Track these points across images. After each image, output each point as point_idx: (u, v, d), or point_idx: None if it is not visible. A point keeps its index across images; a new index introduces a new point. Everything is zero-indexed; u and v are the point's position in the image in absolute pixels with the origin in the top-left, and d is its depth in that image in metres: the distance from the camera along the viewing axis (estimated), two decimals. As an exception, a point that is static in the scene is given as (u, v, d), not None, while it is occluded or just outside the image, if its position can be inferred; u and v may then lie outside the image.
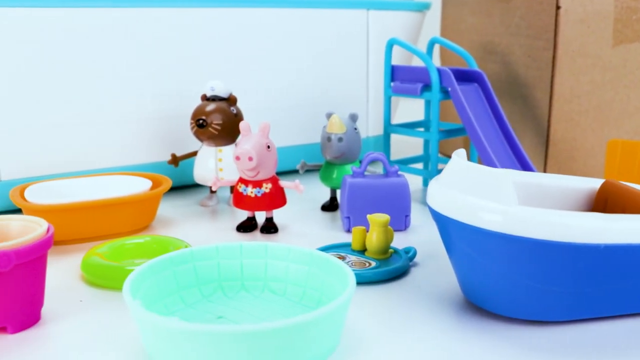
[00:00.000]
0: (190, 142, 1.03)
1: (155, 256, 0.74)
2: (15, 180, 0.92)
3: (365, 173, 0.88)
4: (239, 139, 0.84)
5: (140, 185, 0.87)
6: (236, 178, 0.87)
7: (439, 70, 0.93)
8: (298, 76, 1.12)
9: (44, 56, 0.91)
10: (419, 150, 1.31)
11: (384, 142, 1.02)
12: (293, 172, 1.17)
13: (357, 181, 0.84)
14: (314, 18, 1.11)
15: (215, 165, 0.94)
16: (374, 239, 0.74)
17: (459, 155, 0.64)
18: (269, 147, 0.82)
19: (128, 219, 0.84)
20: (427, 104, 1.08)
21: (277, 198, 0.85)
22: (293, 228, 0.88)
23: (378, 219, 0.74)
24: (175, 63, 1.00)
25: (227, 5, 1.02)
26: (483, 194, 0.58)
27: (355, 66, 1.18)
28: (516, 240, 0.57)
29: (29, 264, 0.58)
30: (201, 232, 0.86)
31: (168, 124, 1.01)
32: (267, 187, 0.83)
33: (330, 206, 0.96)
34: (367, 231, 0.78)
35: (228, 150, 0.94)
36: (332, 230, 0.87)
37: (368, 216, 0.74)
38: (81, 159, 0.96)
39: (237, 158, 0.81)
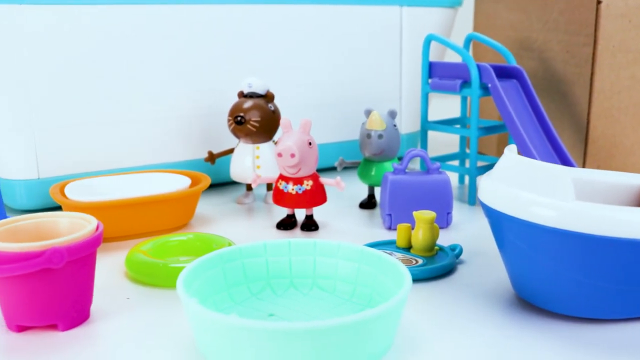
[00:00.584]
0: (226, 139, 1.02)
1: (199, 254, 0.73)
2: (52, 177, 0.91)
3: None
4: (280, 135, 0.83)
5: (179, 183, 0.87)
6: (275, 175, 0.86)
7: (479, 67, 0.92)
8: (331, 73, 1.11)
9: (81, 55, 0.90)
10: (449, 148, 1.30)
11: (421, 139, 1.02)
12: (329, 169, 1.16)
13: (399, 178, 0.84)
14: (347, 14, 1.10)
15: (252, 162, 0.93)
16: (420, 237, 0.73)
17: (511, 150, 0.63)
18: (310, 143, 0.82)
19: (168, 216, 0.83)
20: (464, 100, 1.07)
21: (317, 195, 0.84)
22: (333, 225, 0.87)
23: (424, 216, 0.73)
24: (211, 60, 0.99)
25: (262, 2, 1.01)
26: (537, 189, 0.57)
27: (388, 63, 1.17)
28: (571, 235, 0.56)
29: (80, 261, 0.58)
30: (241, 230, 0.86)
31: (204, 121, 1.01)
32: (308, 184, 0.83)
33: (368, 204, 0.95)
34: (412, 228, 0.77)
35: (265, 148, 0.93)
36: (373, 228, 0.87)
37: (414, 213, 0.73)
38: (118, 157, 0.95)
39: (279, 155, 0.80)
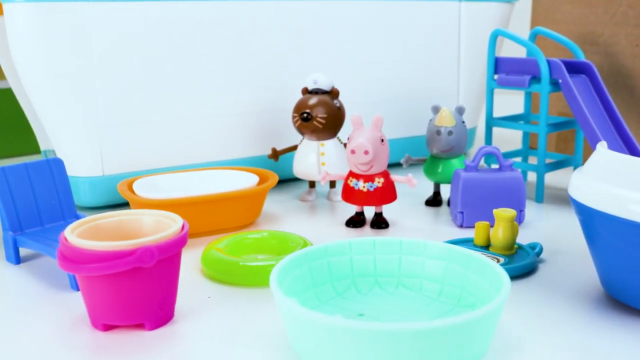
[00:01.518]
0: (287, 136, 1.01)
1: (275, 252, 0.73)
2: (116, 175, 0.91)
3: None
4: (351, 132, 0.82)
5: (246, 180, 0.86)
6: (343, 172, 0.85)
7: (549, 62, 0.90)
8: (390, 69, 1.10)
9: (146, 52, 0.90)
10: (506, 145, 1.28)
11: (486, 135, 1.00)
12: (391, 165, 1.14)
13: (472, 175, 0.82)
14: (407, 10, 1.09)
15: (317, 159, 0.92)
16: (500, 235, 0.72)
17: (603, 146, 0.62)
18: (382, 140, 0.80)
19: (237, 214, 0.82)
20: (528, 96, 1.05)
21: (388, 193, 0.83)
22: (401, 223, 0.86)
23: (505, 213, 0.71)
24: (273, 56, 0.99)
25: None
26: (633, 186, 0.56)
27: (447, 59, 1.15)
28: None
29: (168, 260, 0.57)
30: (308, 228, 0.85)
31: (266, 117, 1.00)
32: (379, 182, 0.81)
33: (434, 201, 0.93)
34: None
35: (330, 144, 0.92)
36: (443, 225, 0.85)
37: (494, 211, 0.72)
38: (181, 154, 0.95)
39: (352, 152, 0.79)
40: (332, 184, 0.97)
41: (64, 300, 0.65)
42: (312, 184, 0.98)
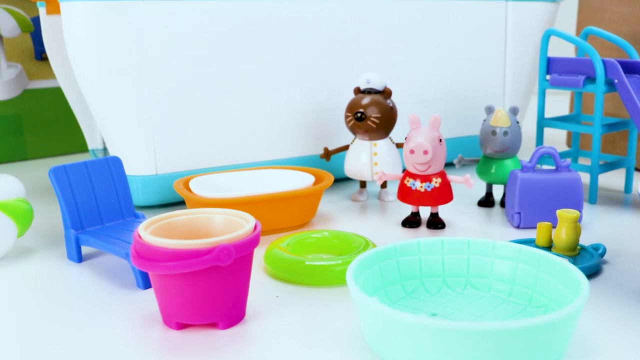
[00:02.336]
0: (337, 136, 1.01)
1: (338, 252, 0.73)
2: (169, 174, 0.91)
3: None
4: (408, 132, 0.82)
5: (302, 180, 0.86)
6: (398, 172, 0.85)
7: (604, 62, 0.90)
8: (436, 69, 1.10)
9: (198, 50, 0.90)
10: (553, 145, 1.27)
11: (537, 136, 0.99)
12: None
13: (529, 176, 0.82)
14: (454, 10, 1.08)
15: (369, 159, 0.92)
16: (563, 236, 0.71)
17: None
18: (440, 140, 0.80)
19: (294, 213, 0.82)
20: (578, 96, 1.04)
21: (445, 193, 0.82)
22: (457, 224, 0.86)
23: (568, 214, 0.71)
24: (323, 56, 0.99)
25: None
26: None
27: (493, 59, 1.15)
28: None
29: (242, 259, 0.57)
30: (364, 228, 0.85)
31: (315, 116, 1.00)
32: (436, 182, 0.81)
33: (487, 202, 0.93)
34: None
35: (383, 144, 0.92)
36: (498, 226, 0.85)
37: (558, 212, 0.71)
38: (232, 153, 0.95)
39: (412, 151, 0.79)
40: (384, 184, 0.97)
41: (132, 299, 0.65)
42: (363, 184, 0.97)
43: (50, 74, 1.29)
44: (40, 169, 1.23)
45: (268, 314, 0.61)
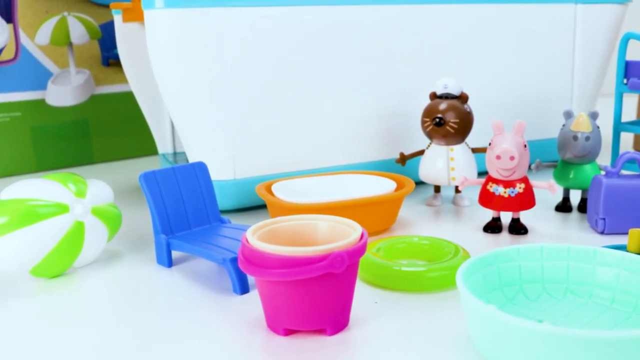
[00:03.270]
0: (410, 140, 1.01)
1: (429, 257, 0.73)
2: (247, 179, 0.92)
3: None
4: (492, 137, 0.82)
5: (384, 185, 0.86)
6: (473, 177, 0.85)
7: (685, 65, 0.89)
8: (505, 73, 1.10)
9: (276, 56, 0.91)
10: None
11: (614, 140, 0.99)
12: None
13: (614, 182, 0.81)
14: (522, 13, 1.08)
15: (446, 164, 0.92)
16: (657, 242, 0.71)
17: None
18: (525, 146, 0.80)
19: (377, 219, 0.83)
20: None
21: (528, 198, 0.82)
22: (538, 229, 0.86)
23: (662, 220, 0.70)
24: (396, 61, 0.99)
25: (440, 2, 1.00)
26: None
27: (561, 62, 1.14)
28: None
29: (351, 266, 0.57)
30: (443, 233, 0.85)
31: (388, 121, 1.00)
32: (520, 187, 0.81)
33: (564, 207, 0.93)
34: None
35: (459, 149, 0.92)
36: (579, 231, 0.85)
37: (651, 218, 0.71)
38: (309, 158, 0.96)
39: (498, 157, 0.79)
40: (458, 189, 0.97)
41: (229, 304, 0.66)
42: (437, 189, 0.98)
43: (116, 80, 1.31)
44: (106, 172, 1.25)
45: (370, 320, 0.62)
